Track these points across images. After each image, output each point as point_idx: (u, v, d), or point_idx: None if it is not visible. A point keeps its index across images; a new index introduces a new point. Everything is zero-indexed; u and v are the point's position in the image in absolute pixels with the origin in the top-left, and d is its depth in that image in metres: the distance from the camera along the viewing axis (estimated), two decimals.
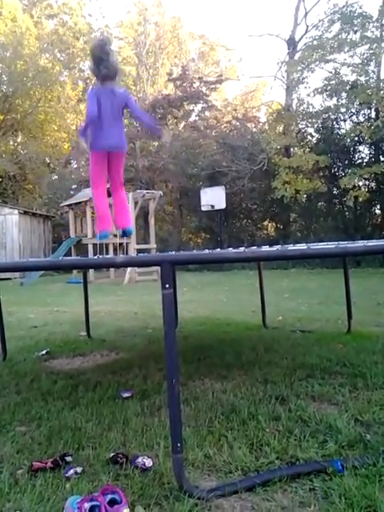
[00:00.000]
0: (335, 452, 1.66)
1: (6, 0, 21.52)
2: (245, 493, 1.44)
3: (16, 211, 16.15)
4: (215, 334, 4.11)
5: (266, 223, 19.10)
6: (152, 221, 13.80)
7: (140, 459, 1.62)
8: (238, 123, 19.84)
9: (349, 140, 14.73)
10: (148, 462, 1.60)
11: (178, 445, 1.48)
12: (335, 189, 15.74)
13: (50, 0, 26.50)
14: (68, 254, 13.67)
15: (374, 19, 14.29)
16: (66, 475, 1.56)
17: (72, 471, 1.58)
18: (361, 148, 15.33)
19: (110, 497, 1.33)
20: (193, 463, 1.63)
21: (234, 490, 1.43)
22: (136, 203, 13.12)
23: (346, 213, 15.89)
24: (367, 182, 15.10)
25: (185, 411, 2.08)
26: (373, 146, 14.71)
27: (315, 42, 15.74)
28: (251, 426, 1.89)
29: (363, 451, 1.66)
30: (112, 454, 1.68)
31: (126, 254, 12.89)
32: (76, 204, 14.43)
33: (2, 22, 20.95)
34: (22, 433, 1.97)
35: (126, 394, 2.39)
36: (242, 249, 2.83)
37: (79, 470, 1.59)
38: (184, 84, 21.11)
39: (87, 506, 1.30)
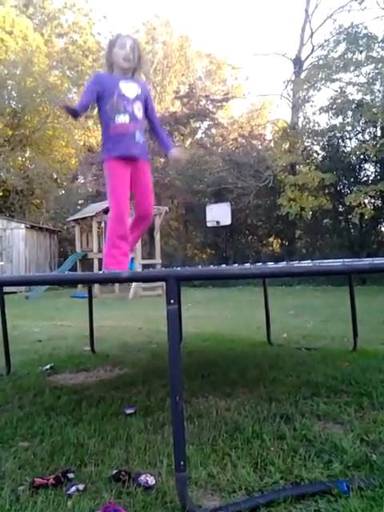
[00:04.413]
0: (340, 472, 1.63)
1: (17, 19, 22.00)
2: None
3: (23, 225, 16.27)
4: (219, 351, 4.09)
5: (271, 240, 19.10)
6: (157, 236, 13.84)
7: (143, 477, 1.60)
8: (244, 141, 20.00)
9: (354, 158, 14.81)
10: (151, 480, 1.58)
11: (182, 463, 1.46)
12: (341, 206, 15.76)
13: (60, 19, 27.08)
14: (74, 268, 13.71)
15: (379, 40, 14.47)
16: (68, 492, 1.55)
17: (74, 488, 1.56)
18: (366, 166, 15.39)
19: None
20: (196, 482, 1.61)
21: (237, 510, 1.41)
22: None
23: (352, 230, 15.88)
24: (373, 200, 15.12)
25: (188, 429, 2.05)
26: (378, 164, 14.76)
27: (321, 62, 15.91)
28: (255, 445, 1.87)
29: (369, 472, 1.63)
30: (114, 472, 1.66)
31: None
32: (82, 219, 14.52)
33: (13, 40, 21.37)
34: (24, 448, 1.95)
35: (129, 410, 2.37)
36: (247, 265, 2.84)
37: (81, 487, 1.57)
38: (191, 102, 21.36)
39: None
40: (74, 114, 2.80)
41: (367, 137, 15.18)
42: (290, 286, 13.05)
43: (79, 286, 12.81)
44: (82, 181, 24.11)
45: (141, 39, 27.36)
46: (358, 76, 15.04)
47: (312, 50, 18.21)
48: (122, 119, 2.75)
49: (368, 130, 15.12)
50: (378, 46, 14.53)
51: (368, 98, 14.50)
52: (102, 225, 13.53)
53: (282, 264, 3.13)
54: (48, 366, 3.54)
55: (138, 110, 2.82)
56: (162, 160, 20.31)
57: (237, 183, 16.71)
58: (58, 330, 5.84)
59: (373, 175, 15.28)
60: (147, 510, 1.43)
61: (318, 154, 16.74)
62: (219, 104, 22.19)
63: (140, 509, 1.43)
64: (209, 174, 17.91)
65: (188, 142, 22.50)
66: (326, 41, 16.64)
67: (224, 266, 4.27)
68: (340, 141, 15.64)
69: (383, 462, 1.69)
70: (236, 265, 3.19)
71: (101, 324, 5.68)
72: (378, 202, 15.16)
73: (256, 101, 25.75)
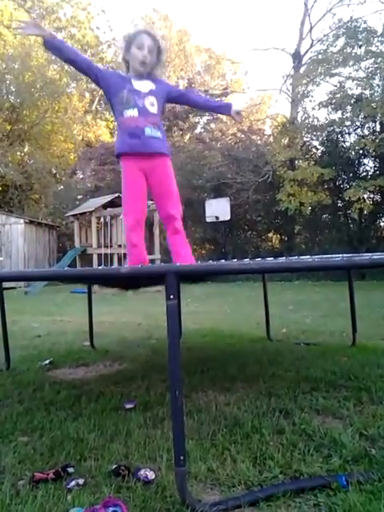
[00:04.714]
0: (340, 467, 1.64)
1: (15, 13, 21.85)
2: (248, 507, 1.41)
3: (22, 221, 16.24)
4: (219, 346, 4.09)
5: (270, 235, 19.12)
6: (157, 231, 13.83)
7: (142, 472, 1.60)
8: (243, 136, 19.98)
9: (353, 153, 14.80)
10: (150, 475, 1.59)
11: (181, 458, 1.46)
12: (340, 201, 15.77)
13: (58, 13, 26.91)
14: (73, 263, 13.71)
15: (378, 34, 14.42)
16: (68, 487, 1.55)
17: (73, 483, 1.56)
18: (365, 161, 15.40)
19: (111, 509, 1.32)
20: (196, 476, 1.61)
21: (237, 505, 1.41)
22: None
23: (351, 225, 15.90)
24: (372, 195, 15.13)
25: (188, 424, 2.06)
26: (377, 159, 14.76)
27: (320, 56, 15.87)
28: (255, 440, 1.87)
29: (368, 466, 1.63)
30: (114, 466, 1.66)
31: None
32: (81, 214, 14.51)
33: (12, 34, 21.23)
34: (24, 443, 1.95)
35: (128, 405, 2.38)
36: (246, 260, 2.83)
37: (81, 481, 1.57)
38: None
39: None
40: (46, 40, 2.57)
41: (366, 132, 15.16)
42: (290, 281, 13.06)
43: None
44: (81, 176, 24.08)
45: None
46: (357, 70, 15.02)
47: (311, 45, 18.18)
48: (130, 113, 2.61)
49: (367, 125, 15.11)
50: (378, 41, 14.48)
51: (367, 92, 14.47)
52: (101, 220, 13.53)
53: (281, 259, 3.13)
54: (47, 361, 3.55)
55: (151, 104, 2.66)
56: None
57: (236, 178, 16.71)
58: (58, 325, 5.85)
59: (372, 170, 15.29)
60: (147, 504, 1.43)
61: (317, 149, 16.72)
62: (218, 99, 22.12)
63: (140, 503, 1.43)
64: (208, 169, 17.88)
65: (187, 137, 22.45)
66: (325, 35, 16.61)
67: (223, 261, 4.26)
68: (339, 136, 15.62)
69: (382, 456, 1.70)
70: (235, 260, 3.18)
71: (100, 319, 5.68)
72: (377, 197, 15.17)
73: (255, 96, 25.69)
